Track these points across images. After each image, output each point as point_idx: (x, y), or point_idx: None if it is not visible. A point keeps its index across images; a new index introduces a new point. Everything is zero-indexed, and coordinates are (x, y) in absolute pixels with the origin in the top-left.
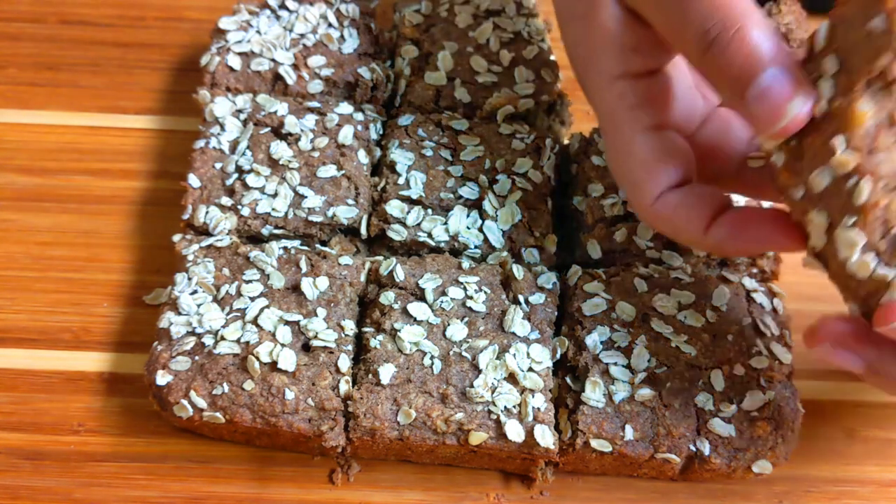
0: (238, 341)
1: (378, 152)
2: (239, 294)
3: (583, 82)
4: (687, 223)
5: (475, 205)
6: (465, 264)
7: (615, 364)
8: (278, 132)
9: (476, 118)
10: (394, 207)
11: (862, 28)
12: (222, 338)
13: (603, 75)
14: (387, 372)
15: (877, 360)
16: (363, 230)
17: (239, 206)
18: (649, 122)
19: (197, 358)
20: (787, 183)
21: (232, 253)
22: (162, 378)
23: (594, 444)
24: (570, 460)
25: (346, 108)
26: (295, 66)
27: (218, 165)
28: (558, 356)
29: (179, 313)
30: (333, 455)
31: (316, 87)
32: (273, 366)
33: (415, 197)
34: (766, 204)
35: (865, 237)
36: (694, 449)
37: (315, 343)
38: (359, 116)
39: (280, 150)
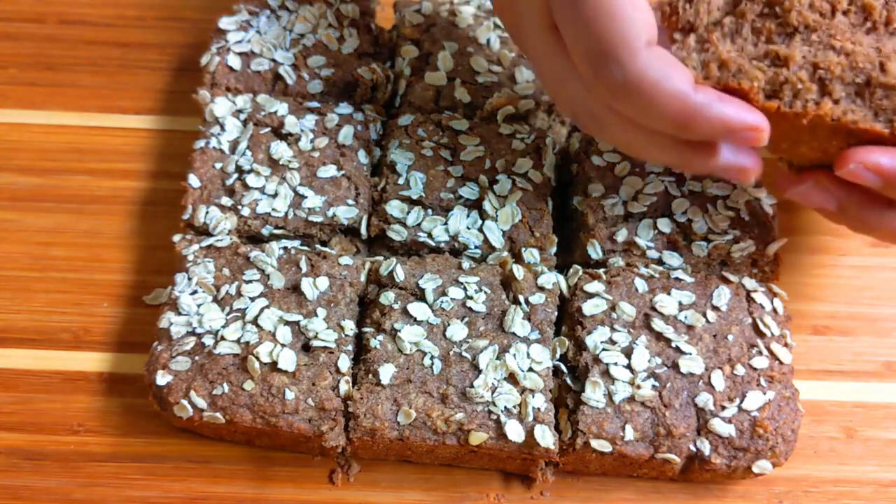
0: (238, 341)
1: (378, 152)
2: (239, 294)
3: None
4: (680, 73)
5: (475, 205)
6: (465, 264)
7: (615, 364)
8: (278, 132)
9: (476, 118)
10: (394, 207)
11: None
12: (222, 338)
13: None
14: (387, 372)
15: (845, 200)
16: (363, 230)
17: (239, 206)
18: None
19: (197, 358)
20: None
21: (232, 253)
22: (162, 378)
23: (594, 444)
24: (570, 460)
25: (346, 108)
26: (295, 66)
27: (218, 165)
28: (558, 356)
29: (179, 313)
30: (333, 455)
31: (316, 87)
32: (273, 366)
33: (415, 197)
34: None
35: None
36: (694, 449)
37: (315, 343)
38: (359, 116)
39: (280, 150)
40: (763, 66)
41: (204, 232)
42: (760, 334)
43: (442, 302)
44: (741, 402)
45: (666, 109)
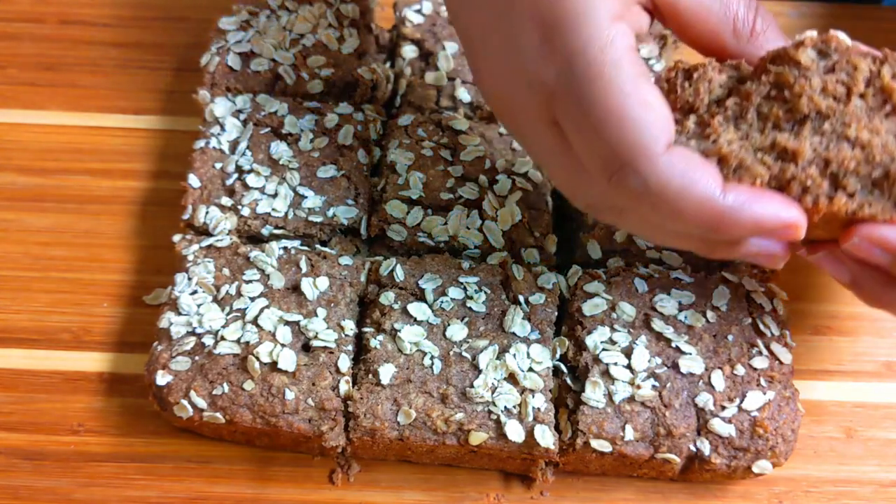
0: (238, 341)
1: (378, 152)
2: (239, 294)
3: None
4: (706, 175)
5: (475, 205)
6: (465, 264)
7: (615, 364)
8: (278, 132)
9: (476, 118)
10: (394, 207)
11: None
12: (222, 338)
13: (598, 25)
14: (387, 372)
15: (859, 274)
16: (363, 230)
17: (239, 206)
18: (642, 66)
19: (197, 358)
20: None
21: (232, 253)
22: (162, 378)
23: (594, 444)
24: (570, 460)
25: (345, 107)
26: (295, 66)
27: (218, 165)
28: (558, 356)
29: (179, 313)
30: (333, 455)
31: (316, 87)
32: (273, 366)
33: (415, 197)
34: None
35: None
36: (694, 449)
37: (315, 343)
38: (359, 116)
39: (280, 150)
40: (768, 159)
41: (204, 232)
42: (760, 334)
43: (442, 302)
44: (741, 402)
45: (692, 216)
